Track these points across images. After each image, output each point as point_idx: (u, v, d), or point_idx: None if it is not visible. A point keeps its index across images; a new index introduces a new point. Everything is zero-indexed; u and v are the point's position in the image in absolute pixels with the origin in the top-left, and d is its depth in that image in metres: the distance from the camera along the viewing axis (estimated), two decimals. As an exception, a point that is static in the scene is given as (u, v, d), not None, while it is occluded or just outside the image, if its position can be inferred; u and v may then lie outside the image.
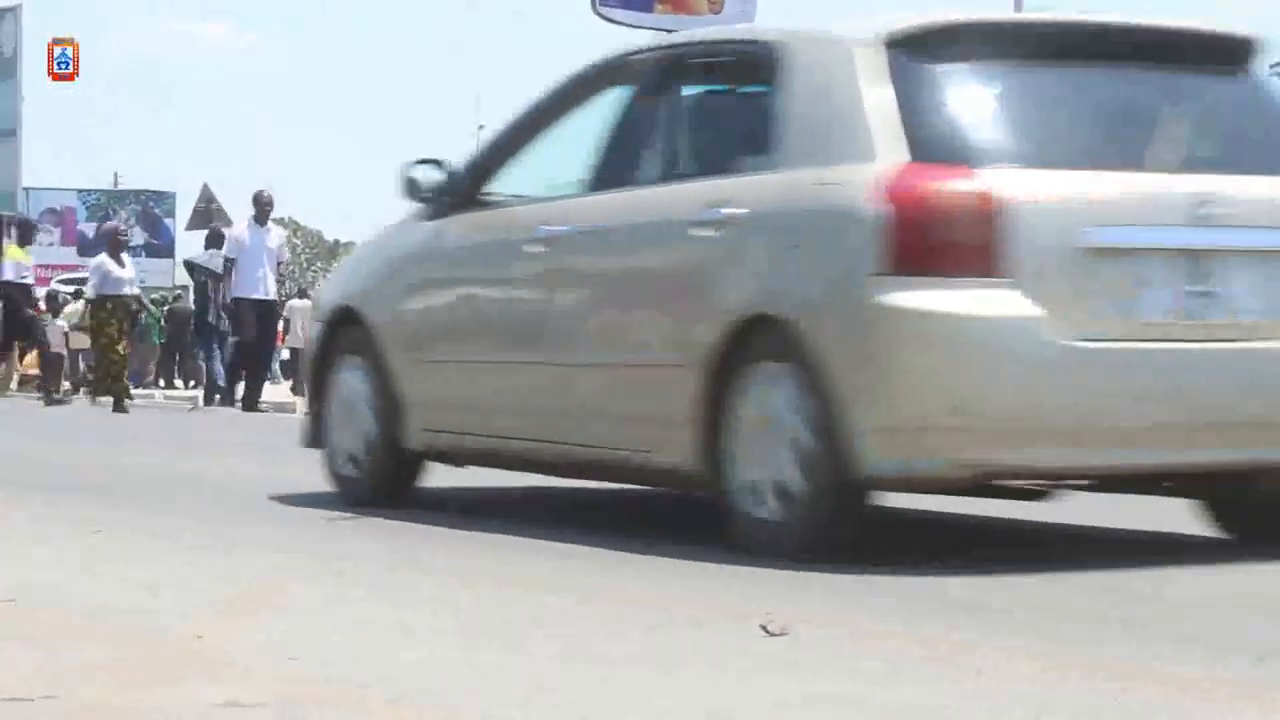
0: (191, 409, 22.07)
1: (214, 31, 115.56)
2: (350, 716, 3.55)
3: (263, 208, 19.82)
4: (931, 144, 5.99)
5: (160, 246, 54.26)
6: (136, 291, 21.37)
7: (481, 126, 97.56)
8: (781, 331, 6.07)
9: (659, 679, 3.97)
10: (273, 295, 20.12)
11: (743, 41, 6.81)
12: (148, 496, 8.72)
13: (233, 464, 11.18)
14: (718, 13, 23.01)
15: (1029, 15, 6.62)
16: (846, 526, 6.06)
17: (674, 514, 7.80)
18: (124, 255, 21.18)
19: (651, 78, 6.99)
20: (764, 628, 4.31)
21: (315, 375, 8.13)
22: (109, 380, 20.44)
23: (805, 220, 6.13)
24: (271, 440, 13.27)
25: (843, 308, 5.96)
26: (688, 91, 7.06)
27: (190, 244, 38.14)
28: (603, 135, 7.06)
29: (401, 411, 7.61)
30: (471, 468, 7.80)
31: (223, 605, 5.00)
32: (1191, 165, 6.16)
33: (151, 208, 56.18)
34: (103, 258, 20.82)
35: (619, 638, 4.53)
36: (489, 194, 7.52)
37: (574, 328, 6.92)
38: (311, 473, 8.17)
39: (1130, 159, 6.16)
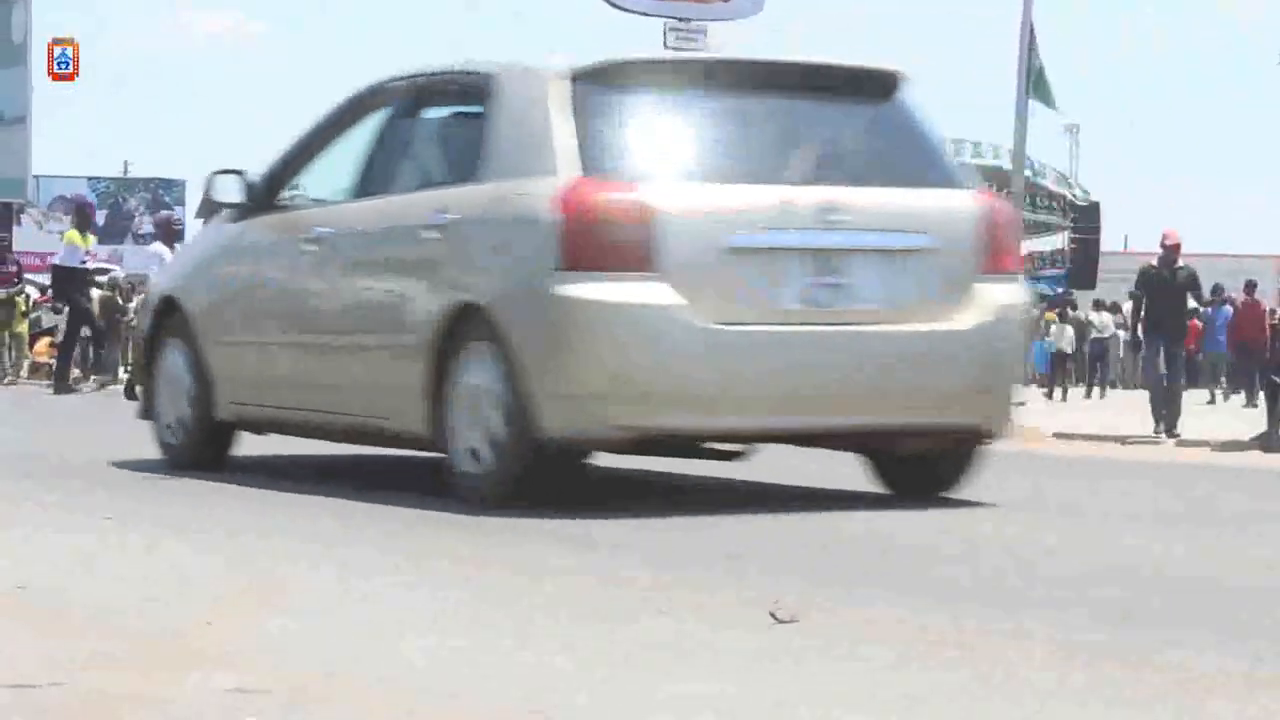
0: None
1: (222, 20, 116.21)
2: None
3: None
4: (601, 162, 7.24)
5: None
6: None
7: None
8: (484, 317, 7.32)
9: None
10: None
11: (467, 73, 8.05)
12: None
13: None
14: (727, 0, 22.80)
15: (690, 54, 7.90)
16: (537, 480, 7.29)
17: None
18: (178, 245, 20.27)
19: (402, 103, 8.27)
20: (773, 614, 4.42)
21: (146, 356, 9.39)
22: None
23: (504, 225, 7.39)
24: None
25: (528, 297, 7.22)
26: (427, 114, 8.33)
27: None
28: (365, 151, 8.33)
29: (212, 387, 8.86)
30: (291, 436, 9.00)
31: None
32: (823, 179, 7.42)
33: (161, 195, 57.31)
34: (159, 246, 19.83)
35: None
36: (281, 200, 8.77)
37: (336, 313, 8.19)
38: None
39: (770, 174, 7.41)
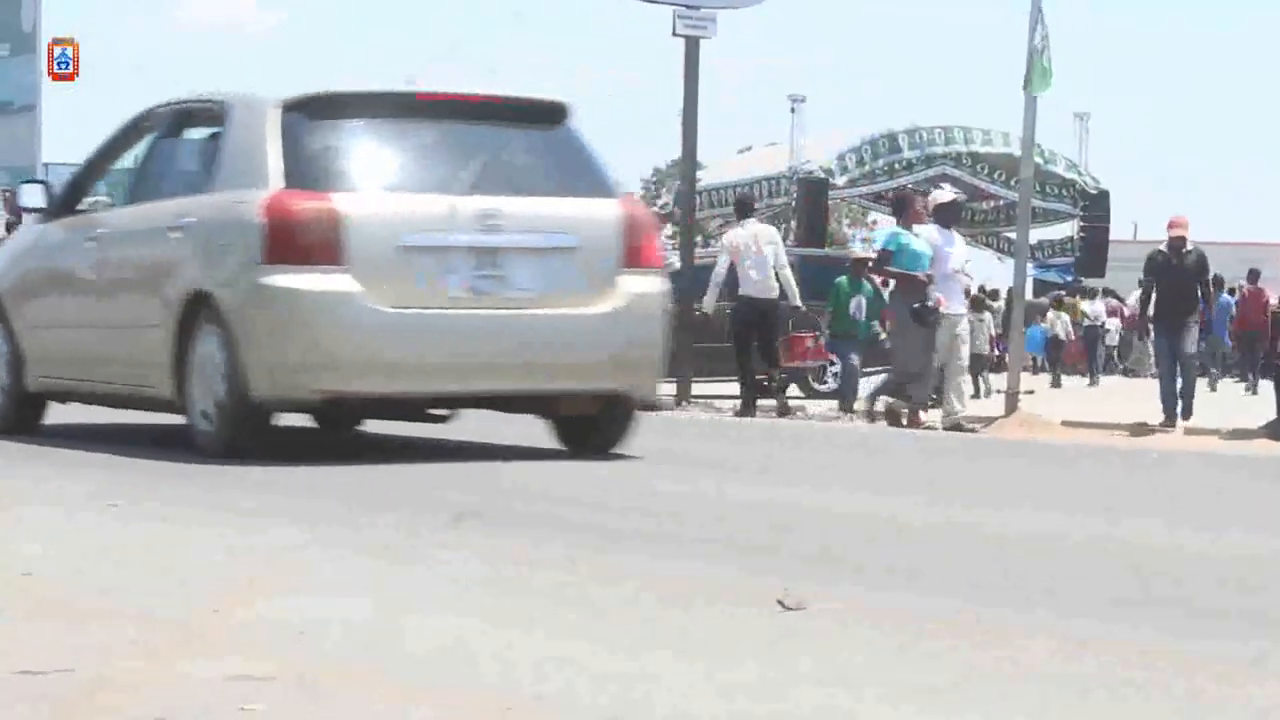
0: None
1: (239, 9, 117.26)
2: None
3: None
4: (300, 176, 8.92)
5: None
6: None
7: None
8: (212, 303, 9.01)
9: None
10: None
11: (211, 102, 9.74)
12: None
13: None
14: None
15: (380, 86, 9.41)
16: (252, 435, 8.97)
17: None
18: None
19: (166, 125, 10.01)
20: (780, 602, 4.55)
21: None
22: None
23: (227, 227, 9.07)
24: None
25: (241, 286, 8.90)
26: (184, 135, 10.07)
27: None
28: (137, 165, 10.08)
29: (24, 364, 10.55)
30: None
31: None
32: (486, 190, 9.09)
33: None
34: None
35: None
36: (81, 205, 10.51)
37: (109, 299, 9.90)
38: None
39: (442, 187, 9.09)
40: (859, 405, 17.61)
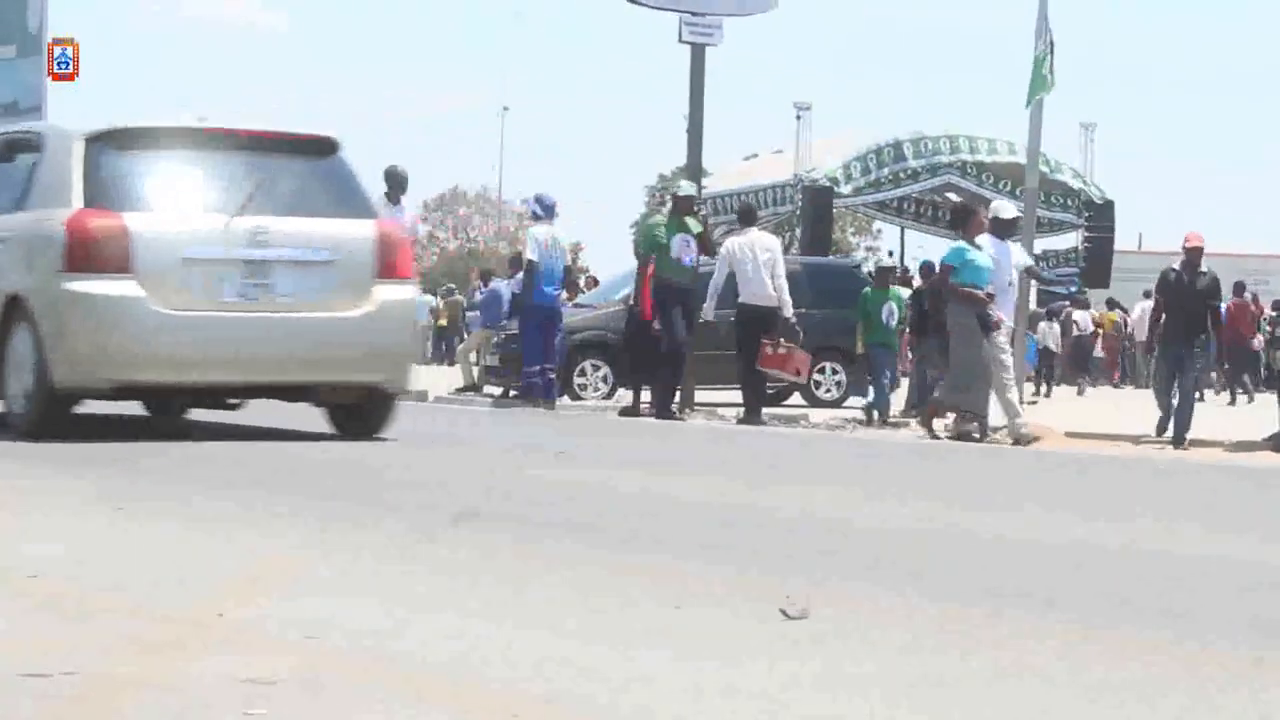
0: None
1: (243, 8, 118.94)
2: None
3: (398, 183, 18.33)
4: (98, 198, 10.41)
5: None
6: None
7: (506, 108, 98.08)
8: (24, 304, 10.52)
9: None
10: None
11: (32, 132, 11.42)
12: None
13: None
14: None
15: (170, 121, 11.00)
16: (56, 420, 10.47)
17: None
18: None
19: (2, 152, 11.54)
20: (783, 611, 4.54)
21: None
22: None
23: (38, 240, 10.58)
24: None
25: (46, 291, 10.42)
26: (14, 159, 11.52)
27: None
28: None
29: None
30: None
31: None
32: (258, 211, 10.61)
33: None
34: None
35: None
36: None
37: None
38: None
39: (219, 208, 10.62)
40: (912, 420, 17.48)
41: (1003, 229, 15.94)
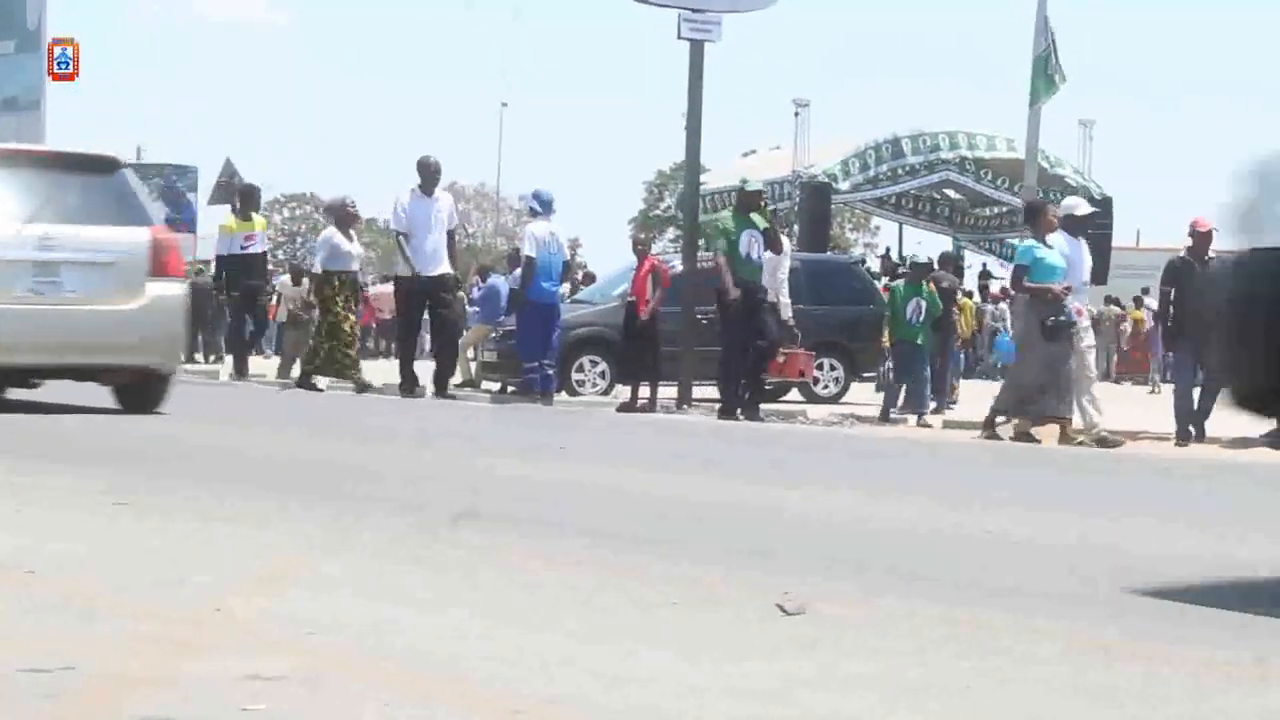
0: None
1: (247, 7, 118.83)
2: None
3: (431, 175, 18.19)
4: None
5: (182, 221, 58.13)
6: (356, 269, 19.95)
7: (505, 104, 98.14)
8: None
9: None
10: (446, 269, 18.40)
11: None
12: None
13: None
14: (740, -9, 24.47)
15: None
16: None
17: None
18: (352, 231, 19.61)
19: None
20: (781, 607, 4.56)
21: None
22: (337, 357, 18.99)
23: None
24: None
25: None
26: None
27: (212, 218, 35.09)
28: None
29: None
30: None
31: None
32: (47, 219, 12.42)
33: (174, 181, 59.89)
34: (331, 231, 19.45)
35: None
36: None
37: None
38: None
39: (15, 216, 12.39)
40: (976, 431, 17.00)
41: (1075, 226, 15.75)
